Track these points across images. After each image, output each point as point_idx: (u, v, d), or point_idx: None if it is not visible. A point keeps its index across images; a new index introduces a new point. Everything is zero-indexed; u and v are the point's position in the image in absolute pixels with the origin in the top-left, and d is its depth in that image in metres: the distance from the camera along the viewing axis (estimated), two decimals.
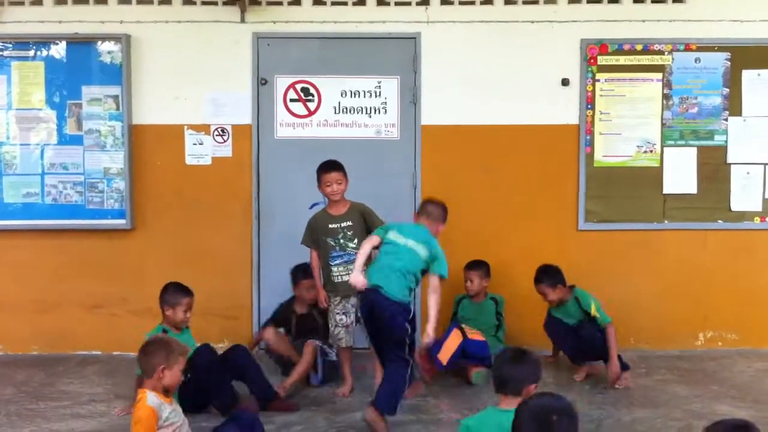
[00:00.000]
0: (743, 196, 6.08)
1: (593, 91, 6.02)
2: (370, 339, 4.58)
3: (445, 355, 5.15)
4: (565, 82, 5.99)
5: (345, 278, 4.91)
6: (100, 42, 5.93)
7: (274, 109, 6.01)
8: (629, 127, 6.04)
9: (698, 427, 4.05)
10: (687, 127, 6.07)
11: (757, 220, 6.10)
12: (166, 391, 3.66)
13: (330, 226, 5.02)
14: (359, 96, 6.03)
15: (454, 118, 6.01)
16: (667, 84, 6.05)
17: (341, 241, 5.00)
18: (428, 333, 4.42)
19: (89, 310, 6.01)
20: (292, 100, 6.02)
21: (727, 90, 6.06)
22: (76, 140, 5.97)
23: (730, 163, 6.08)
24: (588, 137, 6.03)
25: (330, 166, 5.03)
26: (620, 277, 6.06)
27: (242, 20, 5.96)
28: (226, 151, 6.00)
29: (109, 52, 5.94)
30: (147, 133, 5.97)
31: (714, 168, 6.07)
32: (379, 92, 6.02)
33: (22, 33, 5.91)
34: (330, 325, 5.11)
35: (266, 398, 4.66)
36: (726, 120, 6.07)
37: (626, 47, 6.01)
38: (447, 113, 6.00)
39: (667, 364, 5.68)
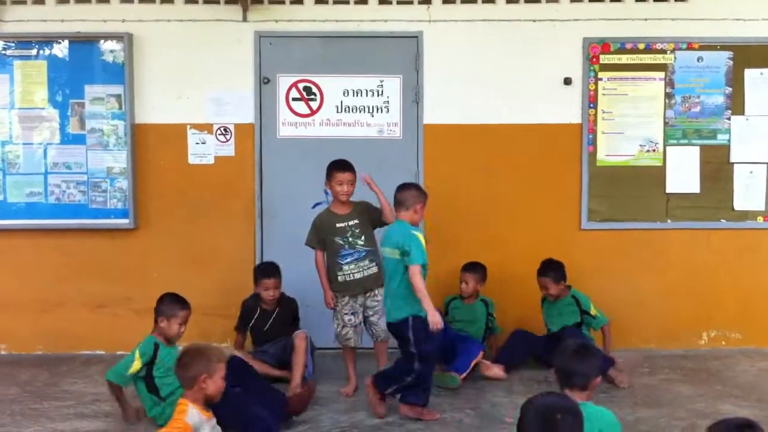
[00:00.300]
0: (746, 195, 6.08)
1: (596, 90, 6.01)
2: None
3: (466, 374, 5.23)
4: (567, 81, 5.99)
5: (357, 276, 4.97)
6: (102, 41, 5.94)
7: (276, 108, 6.01)
8: (632, 126, 6.04)
9: (702, 426, 4.02)
10: (690, 126, 6.07)
11: (760, 219, 6.10)
12: (206, 403, 3.57)
13: (338, 225, 5.03)
14: (361, 95, 6.03)
15: (457, 117, 6.01)
16: (669, 83, 6.04)
17: (350, 239, 5.01)
18: (431, 320, 4.43)
19: (93, 309, 6.01)
20: (294, 99, 6.02)
21: (730, 89, 6.05)
22: (79, 139, 5.97)
23: (733, 162, 6.07)
24: (590, 136, 6.03)
25: (346, 166, 5.04)
26: (623, 276, 6.06)
27: (244, 19, 5.96)
28: (228, 150, 6.00)
29: (111, 51, 5.94)
30: (150, 133, 5.97)
31: (717, 167, 6.07)
32: (382, 91, 6.02)
33: (24, 32, 5.91)
34: (336, 326, 5.11)
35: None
36: (729, 119, 6.06)
37: (629, 46, 6.01)
38: (449, 112, 6.00)
39: (670, 364, 5.68)
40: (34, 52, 5.95)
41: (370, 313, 5.06)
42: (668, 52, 6.02)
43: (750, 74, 6.04)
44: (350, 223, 5.03)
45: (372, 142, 6.01)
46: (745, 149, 6.07)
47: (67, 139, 5.98)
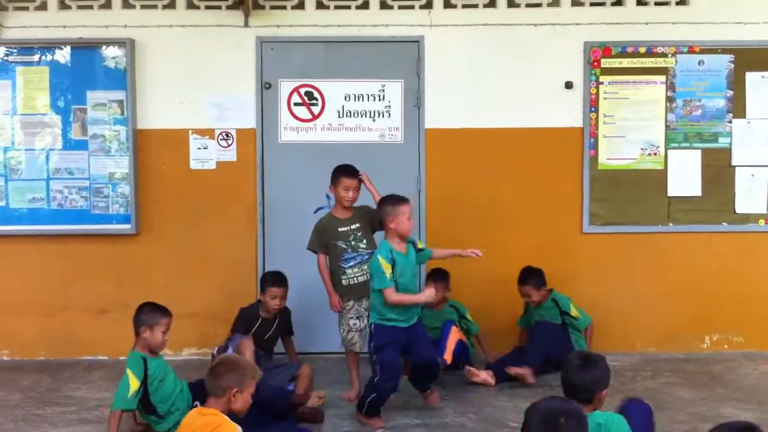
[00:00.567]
0: (748, 199, 6.08)
1: (597, 93, 6.02)
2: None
3: (448, 354, 5.28)
4: (568, 85, 5.99)
5: (360, 279, 4.99)
6: (104, 47, 5.95)
7: (278, 113, 6.02)
8: (633, 129, 6.05)
9: (703, 429, 4.04)
10: (691, 130, 6.08)
11: (761, 222, 6.10)
12: (229, 415, 3.49)
13: (340, 229, 5.04)
14: (363, 100, 6.04)
15: (458, 122, 6.01)
16: (670, 86, 6.05)
17: (353, 242, 5.03)
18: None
19: (95, 315, 6.02)
20: (296, 104, 6.03)
21: (731, 92, 6.06)
22: (81, 145, 5.99)
23: (734, 166, 6.08)
24: (592, 140, 6.04)
25: (353, 172, 5.06)
26: (625, 279, 6.06)
27: (246, 24, 5.97)
28: (230, 155, 6.01)
29: (113, 57, 5.96)
30: (152, 138, 5.99)
31: (718, 170, 6.07)
32: (383, 96, 6.03)
33: (26, 38, 5.93)
34: (341, 330, 5.11)
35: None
36: (730, 122, 6.07)
37: (629, 50, 6.02)
38: (451, 116, 6.01)
39: (672, 367, 5.67)
40: (36, 58, 5.96)
41: None
42: (669, 55, 6.03)
43: (751, 77, 6.05)
44: (352, 227, 5.04)
45: (373, 146, 6.02)
46: (747, 152, 6.07)
47: (69, 144, 5.99)
